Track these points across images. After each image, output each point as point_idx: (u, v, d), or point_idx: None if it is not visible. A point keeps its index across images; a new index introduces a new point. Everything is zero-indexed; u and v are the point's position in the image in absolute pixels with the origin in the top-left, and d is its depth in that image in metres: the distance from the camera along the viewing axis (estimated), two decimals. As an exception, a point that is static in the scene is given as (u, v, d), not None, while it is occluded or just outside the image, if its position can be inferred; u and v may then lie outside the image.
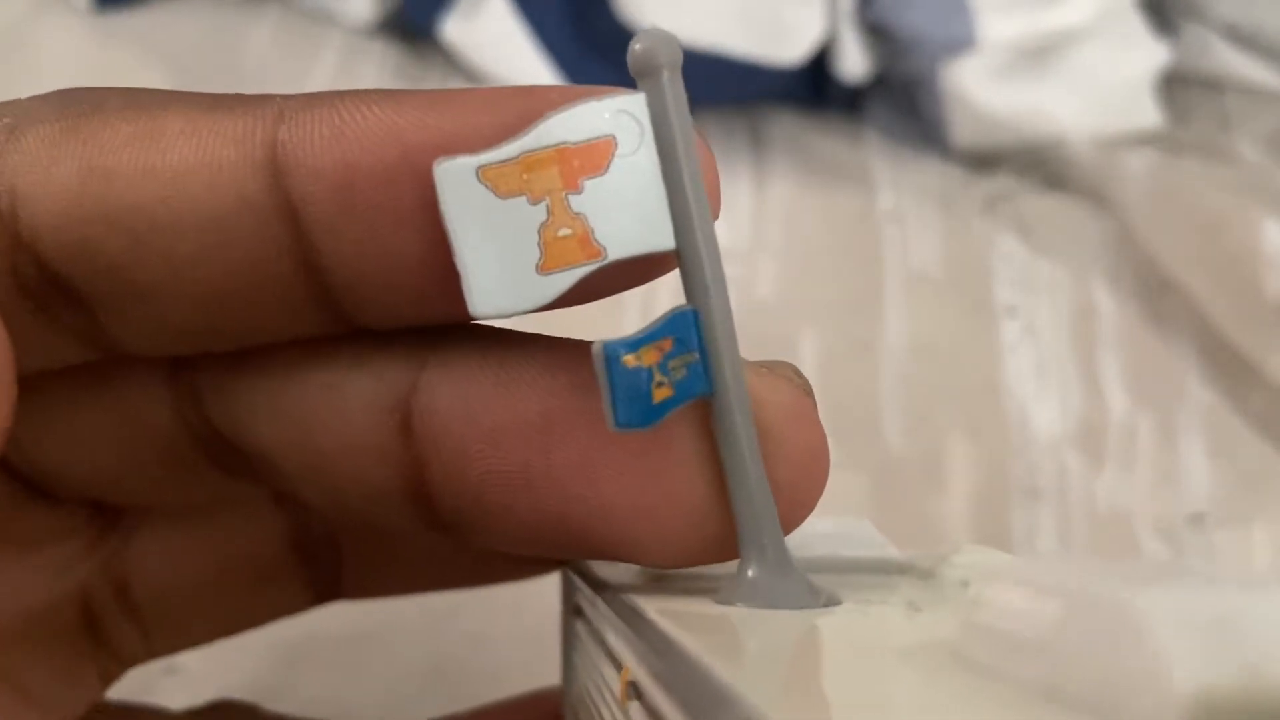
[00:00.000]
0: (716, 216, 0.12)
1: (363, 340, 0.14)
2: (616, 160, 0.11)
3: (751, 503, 0.12)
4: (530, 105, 0.12)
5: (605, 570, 0.14)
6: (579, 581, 0.15)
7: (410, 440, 0.13)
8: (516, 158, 0.11)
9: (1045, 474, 0.32)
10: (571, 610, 0.15)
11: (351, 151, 0.12)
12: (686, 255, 0.12)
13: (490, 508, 0.13)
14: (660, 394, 0.12)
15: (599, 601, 0.13)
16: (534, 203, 0.11)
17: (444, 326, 0.14)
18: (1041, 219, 0.40)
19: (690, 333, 0.12)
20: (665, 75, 0.12)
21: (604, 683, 0.12)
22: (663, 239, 0.12)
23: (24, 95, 0.14)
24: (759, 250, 0.37)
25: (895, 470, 0.32)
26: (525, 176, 0.11)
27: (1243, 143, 0.41)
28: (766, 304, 0.35)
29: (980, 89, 0.39)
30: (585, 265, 0.11)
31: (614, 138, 0.11)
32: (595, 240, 0.11)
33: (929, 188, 0.40)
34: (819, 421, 0.13)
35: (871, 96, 0.42)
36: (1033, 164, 0.41)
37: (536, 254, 0.11)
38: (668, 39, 0.12)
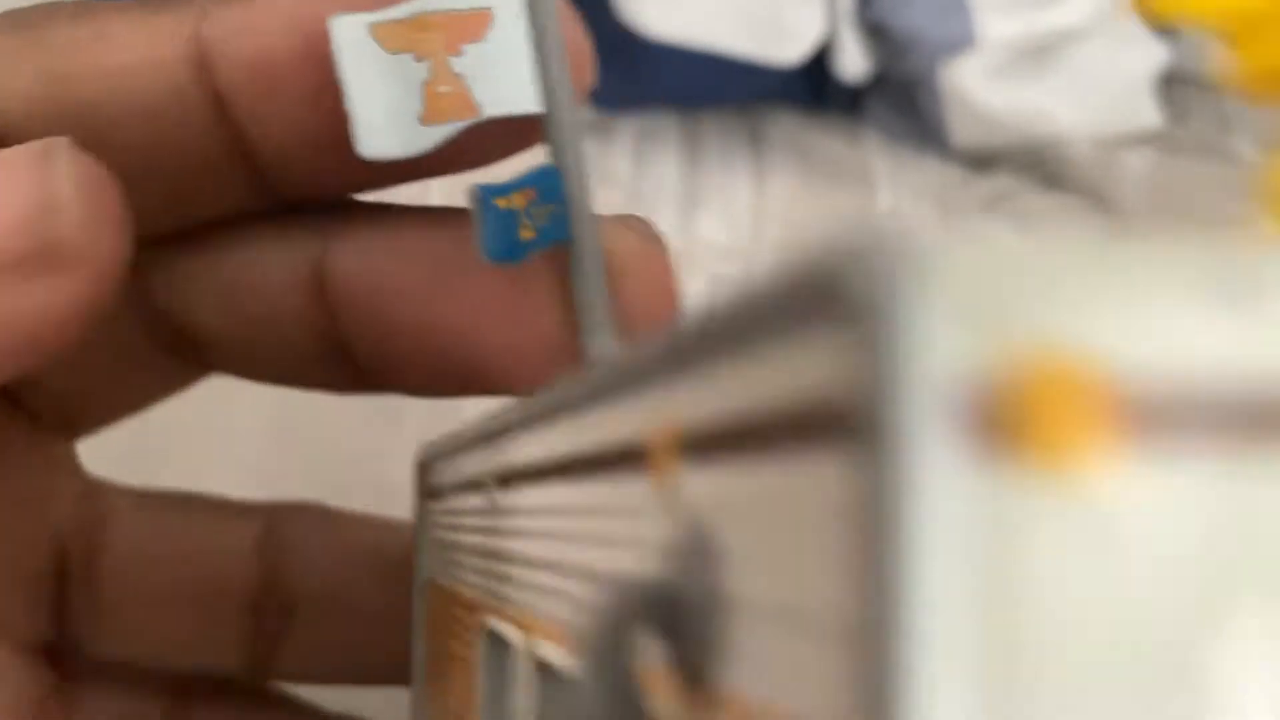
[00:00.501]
0: (584, 89, 0.14)
1: (283, 219, 0.16)
2: (494, 30, 0.13)
3: (595, 336, 0.14)
4: None
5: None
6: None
7: (324, 302, 0.15)
8: (405, 18, 0.12)
9: (1045, 473, 0.32)
10: (426, 494, 0.17)
11: (264, 41, 0.13)
12: (551, 119, 0.14)
13: (395, 356, 0.16)
14: (525, 234, 0.14)
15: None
16: (419, 60, 0.13)
17: (351, 203, 0.16)
18: (1041, 218, 0.40)
19: (553, 186, 0.14)
20: None
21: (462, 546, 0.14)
22: (530, 103, 0.13)
23: None
24: (759, 249, 0.37)
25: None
26: (412, 36, 0.12)
27: (1242, 143, 0.41)
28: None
29: (979, 88, 0.39)
30: (459, 120, 0.13)
31: (492, 10, 0.13)
32: (472, 99, 0.13)
33: (928, 187, 0.40)
34: (667, 260, 0.16)
35: (871, 96, 0.42)
36: (1032, 163, 0.41)
37: (419, 106, 0.13)
38: None
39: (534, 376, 0.14)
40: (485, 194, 0.13)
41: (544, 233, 0.14)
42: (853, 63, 0.40)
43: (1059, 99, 0.40)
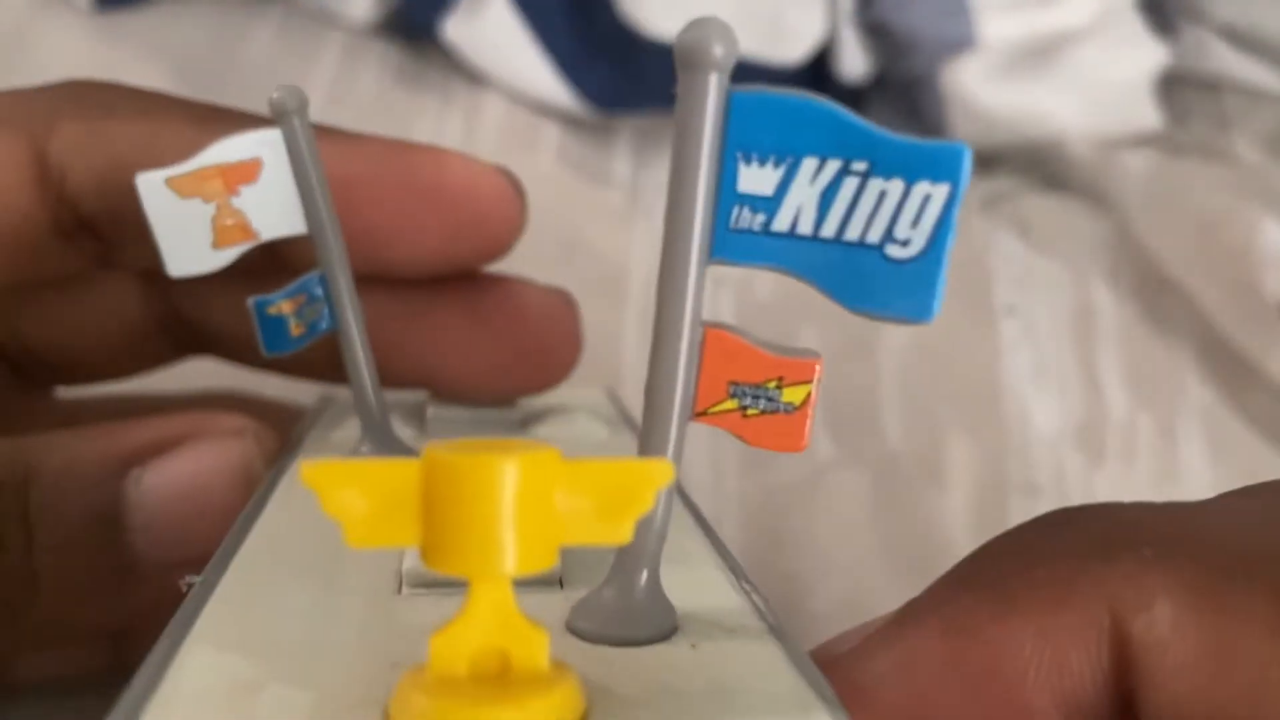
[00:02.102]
0: (514, 228, 0.20)
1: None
2: (264, 173, 0.16)
3: (365, 394, 0.18)
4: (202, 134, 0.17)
5: None
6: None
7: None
8: (192, 171, 0.16)
9: (1044, 472, 0.32)
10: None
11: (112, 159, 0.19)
12: (315, 236, 0.17)
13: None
14: (296, 331, 0.17)
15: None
16: (206, 202, 0.16)
17: None
18: (1041, 218, 0.40)
19: (317, 290, 0.17)
20: (294, 118, 0.16)
21: None
22: (299, 226, 0.17)
23: None
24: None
25: (895, 468, 0.32)
26: (198, 185, 0.16)
27: (1241, 143, 0.41)
28: (766, 304, 0.35)
29: (980, 89, 0.39)
30: (244, 244, 0.17)
31: (261, 159, 0.16)
32: (251, 227, 0.16)
33: (929, 187, 0.40)
34: (573, 313, 0.21)
35: (872, 96, 0.42)
36: (1032, 164, 0.41)
37: (210, 236, 0.16)
38: (295, 91, 0.16)
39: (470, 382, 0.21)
40: (258, 305, 0.17)
41: (313, 327, 0.17)
42: (853, 63, 0.40)
43: (1059, 100, 0.40)
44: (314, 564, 0.13)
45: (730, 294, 0.35)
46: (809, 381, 0.12)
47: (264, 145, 0.16)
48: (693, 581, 0.13)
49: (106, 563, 0.17)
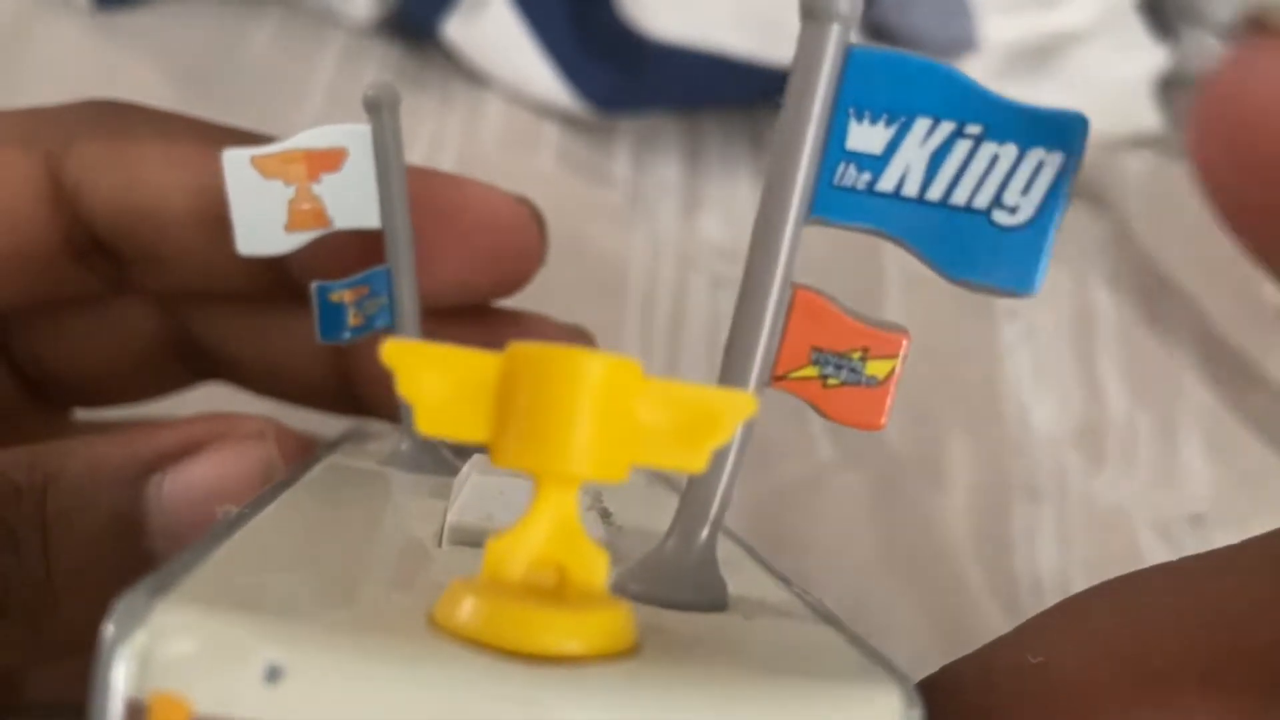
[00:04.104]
0: (534, 261, 0.20)
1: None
2: (348, 163, 0.17)
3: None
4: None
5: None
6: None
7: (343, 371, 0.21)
8: (277, 153, 0.16)
9: (1045, 474, 0.32)
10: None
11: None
12: (388, 231, 0.17)
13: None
14: (354, 321, 0.17)
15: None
16: (287, 185, 0.16)
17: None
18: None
19: (382, 284, 0.17)
20: (385, 114, 0.17)
21: None
22: (373, 220, 0.17)
23: (26, 94, 0.19)
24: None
25: (896, 469, 0.32)
26: (282, 166, 0.16)
27: (1242, 144, 0.41)
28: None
29: (980, 90, 0.39)
30: (316, 230, 0.17)
31: (346, 149, 0.17)
32: (326, 214, 0.17)
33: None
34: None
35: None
36: (1032, 165, 0.41)
37: (285, 218, 0.17)
38: (391, 95, 0.17)
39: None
40: (320, 289, 0.17)
41: (370, 320, 0.17)
42: (853, 64, 0.40)
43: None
44: (349, 522, 0.13)
45: (732, 294, 0.34)
46: (895, 356, 0.11)
47: (352, 137, 0.17)
48: (739, 578, 0.13)
49: (126, 569, 0.16)
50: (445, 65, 0.40)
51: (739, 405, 0.09)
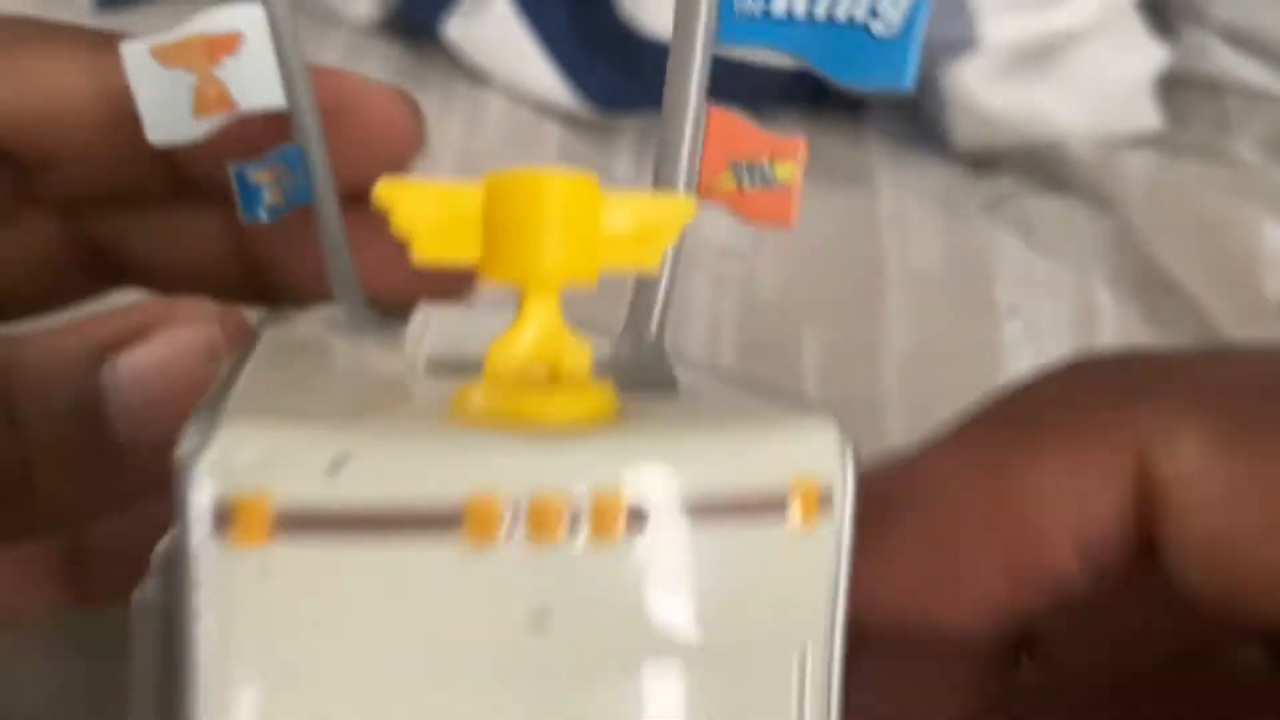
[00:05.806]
0: (413, 145, 0.21)
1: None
2: (244, 46, 0.17)
3: (340, 290, 0.18)
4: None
5: None
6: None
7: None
8: (174, 42, 0.17)
9: (1045, 474, 0.32)
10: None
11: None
12: (294, 111, 0.17)
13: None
14: (273, 200, 0.18)
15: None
16: (188, 71, 0.17)
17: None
18: (1042, 219, 0.40)
19: (295, 162, 0.17)
20: None
21: None
22: (277, 99, 0.17)
23: None
24: (760, 251, 0.37)
25: (896, 470, 0.32)
26: (182, 54, 0.17)
27: (1241, 144, 0.41)
28: (768, 305, 0.35)
29: (981, 90, 0.39)
30: (223, 114, 0.17)
31: (242, 32, 0.17)
32: (231, 97, 0.17)
33: (930, 188, 0.40)
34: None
35: (873, 98, 0.42)
36: (1033, 165, 0.41)
37: (191, 104, 0.17)
38: None
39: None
40: (238, 172, 0.18)
41: (289, 197, 0.18)
42: (854, 64, 0.40)
43: (1060, 101, 0.40)
44: (328, 370, 0.15)
45: (733, 294, 0.34)
46: (796, 157, 0.13)
47: (245, 20, 0.17)
48: (689, 378, 0.14)
49: (94, 449, 0.17)
50: (446, 65, 0.40)
51: (682, 209, 0.11)
